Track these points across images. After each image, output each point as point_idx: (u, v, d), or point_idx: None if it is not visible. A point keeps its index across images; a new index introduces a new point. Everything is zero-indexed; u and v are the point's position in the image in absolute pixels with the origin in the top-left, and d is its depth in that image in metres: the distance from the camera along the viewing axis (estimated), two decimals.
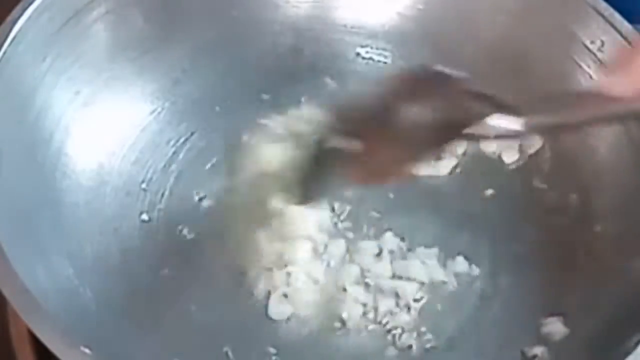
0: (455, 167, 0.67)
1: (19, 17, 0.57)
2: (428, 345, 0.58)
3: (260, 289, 0.60)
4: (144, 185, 0.64)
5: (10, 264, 0.48)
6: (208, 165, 0.66)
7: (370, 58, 0.73)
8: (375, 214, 0.64)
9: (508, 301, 0.60)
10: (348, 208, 0.64)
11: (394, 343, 0.58)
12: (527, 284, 0.61)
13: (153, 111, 0.67)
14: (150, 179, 0.65)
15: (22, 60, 0.58)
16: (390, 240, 0.63)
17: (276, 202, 0.63)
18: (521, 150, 0.67)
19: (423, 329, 0.59)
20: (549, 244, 0.62)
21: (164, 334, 0.57)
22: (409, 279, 0.61)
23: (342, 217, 0.64)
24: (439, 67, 0.55)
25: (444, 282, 0.61)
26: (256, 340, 0.58)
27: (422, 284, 0.61)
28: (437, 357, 0.58)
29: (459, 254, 0.62)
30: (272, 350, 0.57)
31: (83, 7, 0.62)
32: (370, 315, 0.59)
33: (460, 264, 0.62)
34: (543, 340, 0.58)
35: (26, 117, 0.58)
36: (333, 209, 0.64)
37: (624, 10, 0.63)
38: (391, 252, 0.62)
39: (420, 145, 0.53)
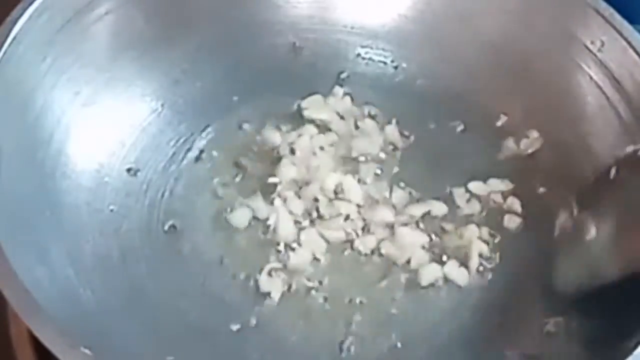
0: None
1: (19, 17, 0.57)
2: (428, 345, 0.58)
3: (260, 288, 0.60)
4: (144, 186, 0.64)
5: (10, 264, 0.48)
6: (208, 166, 0.66)
7: (371, 58, 0.73)
8: None
9: (508, 301, 0.60)
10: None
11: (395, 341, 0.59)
12: (527, 284, 0.61)
13: (153, 111, 0.67)
14: (150, 179, 0.65)
15: (22, 60, 0.58)
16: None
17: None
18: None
19: (423, 328, 0.59)
20: (549, 244, 0.62)
21: (164, 334, 0.57)
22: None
23: None
24: None
25: (445, 282, 0.61)
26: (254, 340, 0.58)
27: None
28: (437, 357, 0.58)
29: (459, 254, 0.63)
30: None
31: (83, 7, 0.62)
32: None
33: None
34: (543, 340, 0.58)
35: (26, 117, 0.58)
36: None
37: (624, 10, 0.63)
38: None
39: None
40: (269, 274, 0.60)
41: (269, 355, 0.57)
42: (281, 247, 0.62)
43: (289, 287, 0.60)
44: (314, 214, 0.63)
